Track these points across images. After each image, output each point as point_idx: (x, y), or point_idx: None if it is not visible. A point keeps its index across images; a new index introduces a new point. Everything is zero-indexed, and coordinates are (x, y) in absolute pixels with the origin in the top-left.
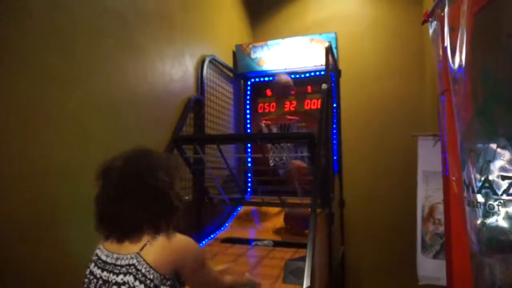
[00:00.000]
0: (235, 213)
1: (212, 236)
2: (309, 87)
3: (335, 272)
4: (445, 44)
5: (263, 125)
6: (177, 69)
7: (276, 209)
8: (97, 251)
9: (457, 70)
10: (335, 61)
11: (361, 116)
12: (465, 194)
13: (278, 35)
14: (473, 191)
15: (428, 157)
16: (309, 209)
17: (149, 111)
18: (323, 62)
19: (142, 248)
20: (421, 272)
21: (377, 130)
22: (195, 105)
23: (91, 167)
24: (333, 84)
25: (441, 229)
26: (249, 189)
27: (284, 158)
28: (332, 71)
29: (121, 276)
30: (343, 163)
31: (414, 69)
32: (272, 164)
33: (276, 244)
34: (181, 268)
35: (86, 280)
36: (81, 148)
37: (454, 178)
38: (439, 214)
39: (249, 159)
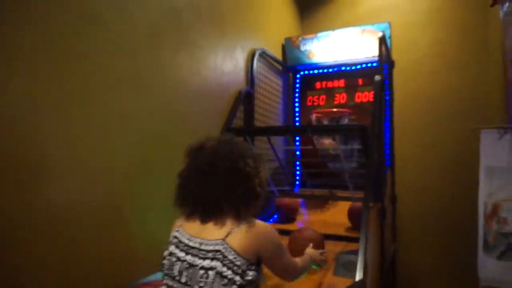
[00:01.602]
0: None
1: None
2: (360, 80)
3: (386, 268)
4: None
5: (313, 117)
6: (228, 62)
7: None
8: (176, 234)
9: None
10: (388, 51)
11: (415, 109)
12: None
13: (329, 27)
14: None
15: (493, 151)
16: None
17: (201, 104)
18: (375, 53)
19: (227, 235)
20: (482, 273)
21: (432, 123)
22: (245, 97)
23: (152, 160)
24: (385, 76)
25: (507, 228)
26: (297, 182)
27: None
28: (385, 62)
29: (207, 261)
30: (396, 157)
31: (475, 60)
32: (321, 157)
33: (326, 237)
34: (262, 252)
35: (167, 261)
36: (143, 143)
37: None
38: (505, 212)
39: (297, 152)
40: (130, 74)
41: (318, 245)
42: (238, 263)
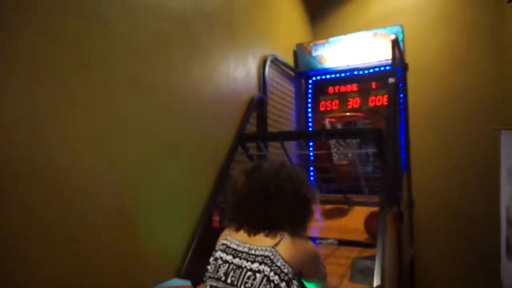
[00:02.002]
0: None
1: None
2: (373, 83)
3: (405, 274)
4: None
5: (326, 122)
6: (240, 70)
7: (340, 207)
8: (224, 242)
9: None
10: (401, 54)
11: (430, 112)
12: None
13: (340, 32)
14: None
15: None
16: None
17: (214, 111)
18: (388, 56)
19: (277, 244)
20: (505, 278)
21: (448, 125)
22: (258, 104)
23: (162, 164)
24: (399, 79)
25: None
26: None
27: (350, 155)
28: (398, 65)
29: (256, 264)
30: (412, 161)
31: (491, 62)
32: (336, 161)
33: (341, 242)
34: (304, 266)
35: (213, 265)
36: (153, 147)
37: None
38: None
39: (311, 156)
40: (141, 80)
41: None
42: (286, 270)
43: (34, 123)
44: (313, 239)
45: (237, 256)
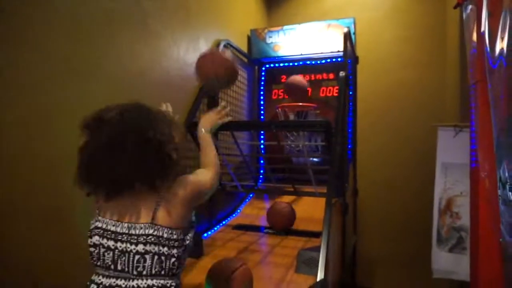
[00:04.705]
0: (247, 200)
1: (223, 222)
2: (324, 74)
3: (348, 263)
4: (482, 30)
5: (279, 111)
6: (191, 54)
7: (289, 197)
8: (97, 224)
9: (497, 58)
10: (352, 47)
11: (377, 105)
12: (500, 193)
13: (295, 20)
14: (511, 190)
15: (448, 148)
16: (289, 206)
17: (162, 96)
18: (340, 48)
19: (153, 216)
20: (435, 265)
21: (394, 119)
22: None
23: None
24: (349, 71)
25: (459, 222)
26: (261, 176)
27: (300, 145)
28: (349, 58)
29: (140, 246)
30: (358, 152)
31: (435, 58)
32: (286, 152)
33: (288, 232)
34: (193, 203)
35: (95, 253)
36: None
37: (485, 174)
38: (457, 207)
39: (262, 146)
40: (81, 62)
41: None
42: (175, 236)
43: None
44: (261, 228)
45: (118, 240)
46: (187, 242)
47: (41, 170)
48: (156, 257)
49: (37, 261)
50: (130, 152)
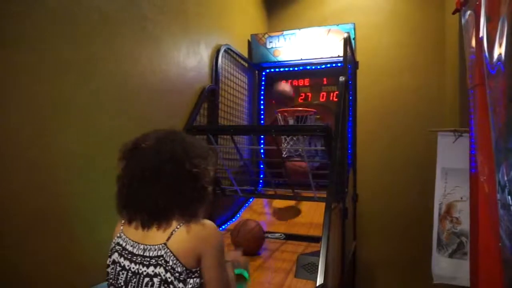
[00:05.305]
0: (246, 205)
1: (223, 227)
2: (325, 79)
3: (347, 268)
4: (480, 35)
5: (279, 116)
6: (192, 58)
7: (289, 202)
8: (119, 240)
9: (495, 63)
10: (352, 52)
11: (377, 110)
12: (499, 197)
13: (295, 25)
14: (509, 194)
15: (448, 153)
16: (259, 229)
17: (162, 100)
18: (340, 53)
19: (168, 238)
20: (435, 270)
21: (394, 124)
22: (209, 95)
23: (102, 156)
24: (349, 76)
25: (459, 227)
26: (261, 181)
27: (300, 150)
28: (349, 63)
29: (151, 268)
30: (358, 157)
31: (434, 63)
32: (285, 156)
33: (288, 237)
34: (202, 257)
35: (111, 270)
36: (93, 140)
37: (484, 178)
38: (457, 213)
39: (262, 151)
40: (80, 64)
41: (259, 240)
42: (178, 269)
43: None
44: None
45: (133, 261)
46: (189, 286)
47: (38, 172)
48: (163, 283)
49: (36, 269)
50: (166, 182)
